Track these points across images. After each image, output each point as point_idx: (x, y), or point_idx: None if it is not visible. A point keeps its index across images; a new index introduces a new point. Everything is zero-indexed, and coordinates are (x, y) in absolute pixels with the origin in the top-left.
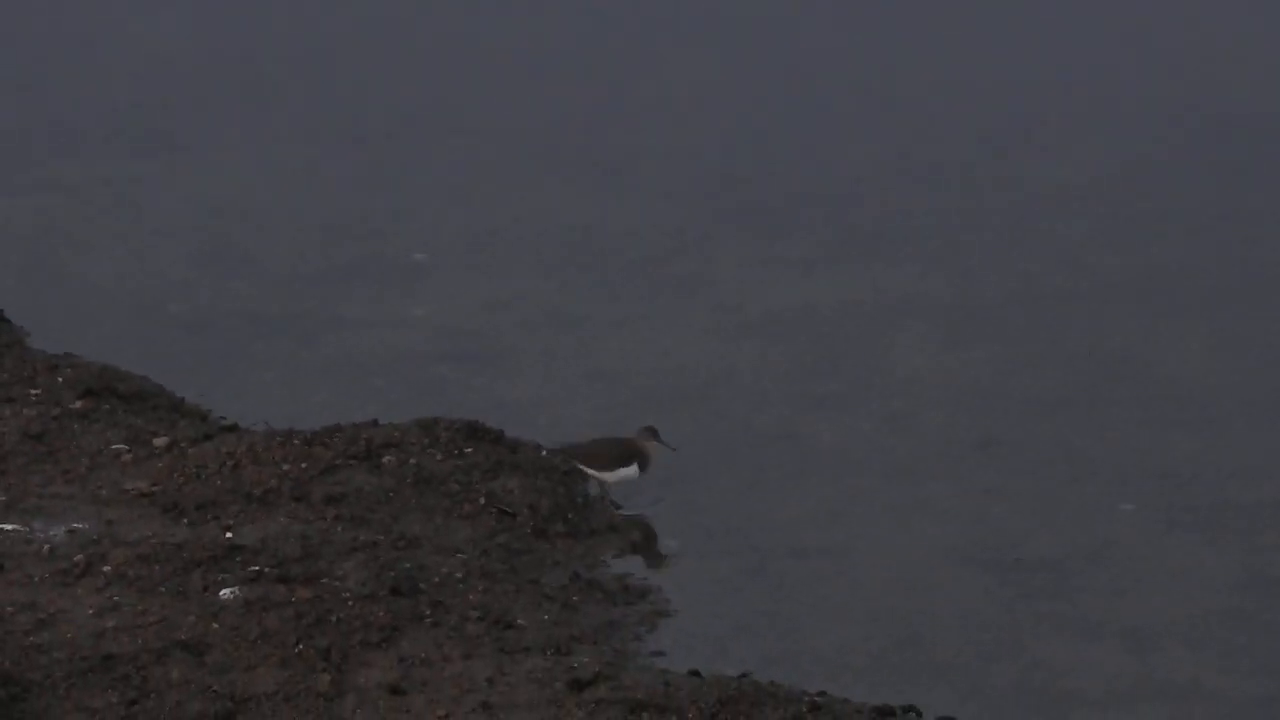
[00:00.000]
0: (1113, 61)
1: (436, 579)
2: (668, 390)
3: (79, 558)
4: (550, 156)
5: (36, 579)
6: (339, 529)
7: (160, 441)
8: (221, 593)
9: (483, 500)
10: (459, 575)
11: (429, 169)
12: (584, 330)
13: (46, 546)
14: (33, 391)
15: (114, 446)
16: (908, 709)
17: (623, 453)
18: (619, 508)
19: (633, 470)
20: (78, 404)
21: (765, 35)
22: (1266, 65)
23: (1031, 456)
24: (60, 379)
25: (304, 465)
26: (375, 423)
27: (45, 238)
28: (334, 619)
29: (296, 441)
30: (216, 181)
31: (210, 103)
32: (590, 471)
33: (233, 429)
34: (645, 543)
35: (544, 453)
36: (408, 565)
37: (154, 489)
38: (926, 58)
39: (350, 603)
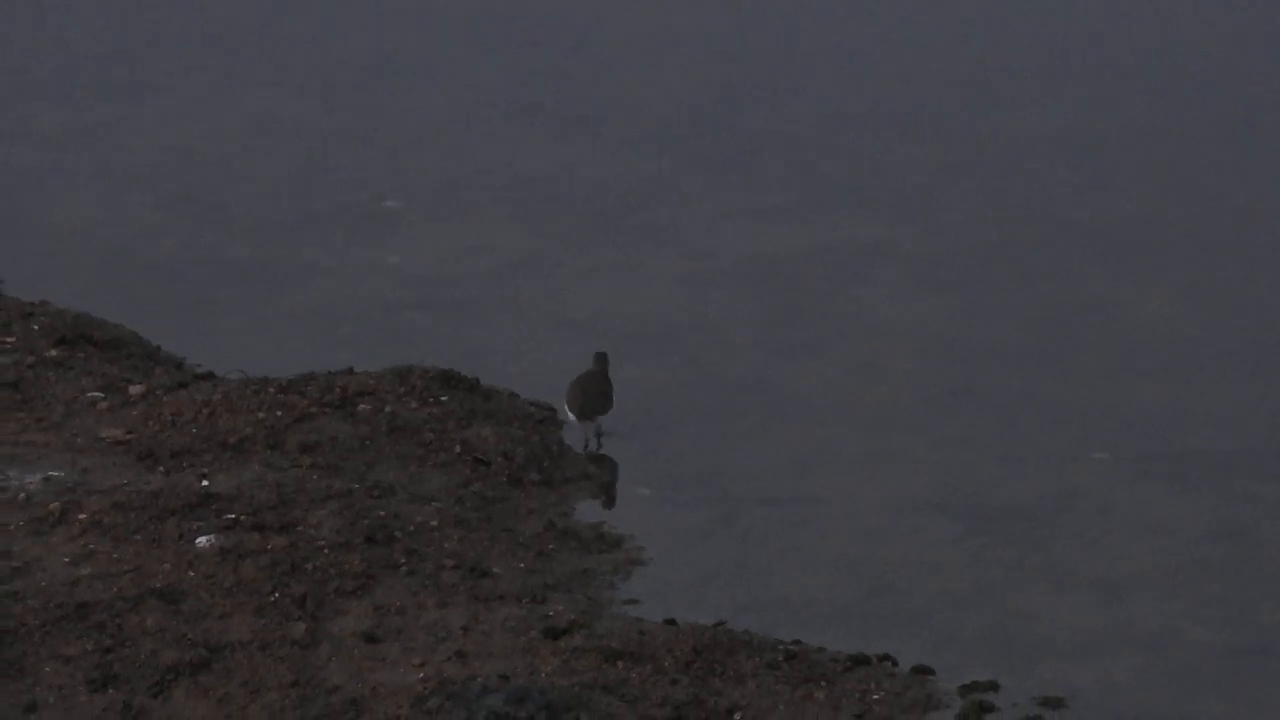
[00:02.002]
0: (1082, 12)
1: (411, 527)
2: (638, 338)
3: (54, 505)
4: (519, 104)
5: (11, 527)
6: (314, 477)
7: (136, 389)
8: (196, 541)
9: (457, 449)
10: (434, 524)
11: (398, 117)
12: (554, 278)
13: (21, 494)
14: (7, 339)
15: (89, 394)
16: (883, 658)
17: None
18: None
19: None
20: (52, 352)
21: None
22: (1236, 17)
23: (1001, 405)
24: (35, 326)
25: (279, 413)
26: (350, 371)
27: (14, 184)
28: (309, 567)
29: (271, 390)
30: (186, 128)
31: (179, 49)
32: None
33: (208, 377)
34: (617, 490)
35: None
36: (382, 513)
37: (129, 437)
38: (897, 6)
39: (325, 551)
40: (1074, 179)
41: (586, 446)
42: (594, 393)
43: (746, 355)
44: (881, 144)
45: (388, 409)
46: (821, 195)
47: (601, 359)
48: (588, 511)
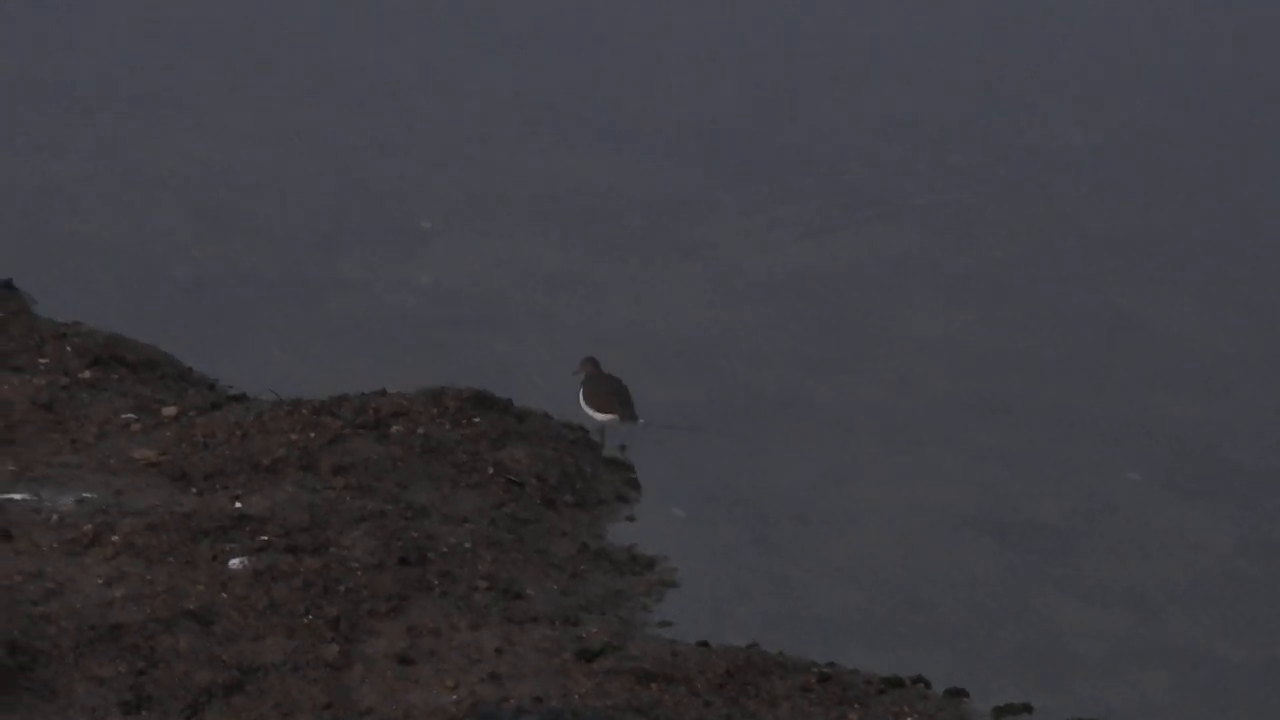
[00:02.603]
0: (1115, 23)
1: (444, 549)
2: (671, 354)
3: (87, 527)
4: (552, 120)
5: (45, 548)
6: (347, 498)
7: (169, 411)
8: (230, 562)
9: (490, 469)
10: (467, 545)
11: (431, 132)
12: (587, 294)
13: (55, 516)
14: (41, 360)
15: (122, 416)
16: (916, 680)
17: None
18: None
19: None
20: (86, 373)
21: None
22: (1269, 33)
23: (1035, 420)
24: (68, 348)
25: (312, 434)
26: (383, 392)
27: (48, 201)
28: (342, 589)
29: (304, 411)
30: (219, 144)
31: (212, 64)
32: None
33: (241, 398)
34: (650, 510)
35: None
36: (415, 535)
37: (162, 458)
38: (930, 19)
39: (358, 572)
40: (1108, 193)
41: (623, 448)
42: (625, 393)
43: (779, 371)
44: (915, 157)
45: (421, 430)
46: (855, 209)
47: (596, 362)
48: (621, 533)
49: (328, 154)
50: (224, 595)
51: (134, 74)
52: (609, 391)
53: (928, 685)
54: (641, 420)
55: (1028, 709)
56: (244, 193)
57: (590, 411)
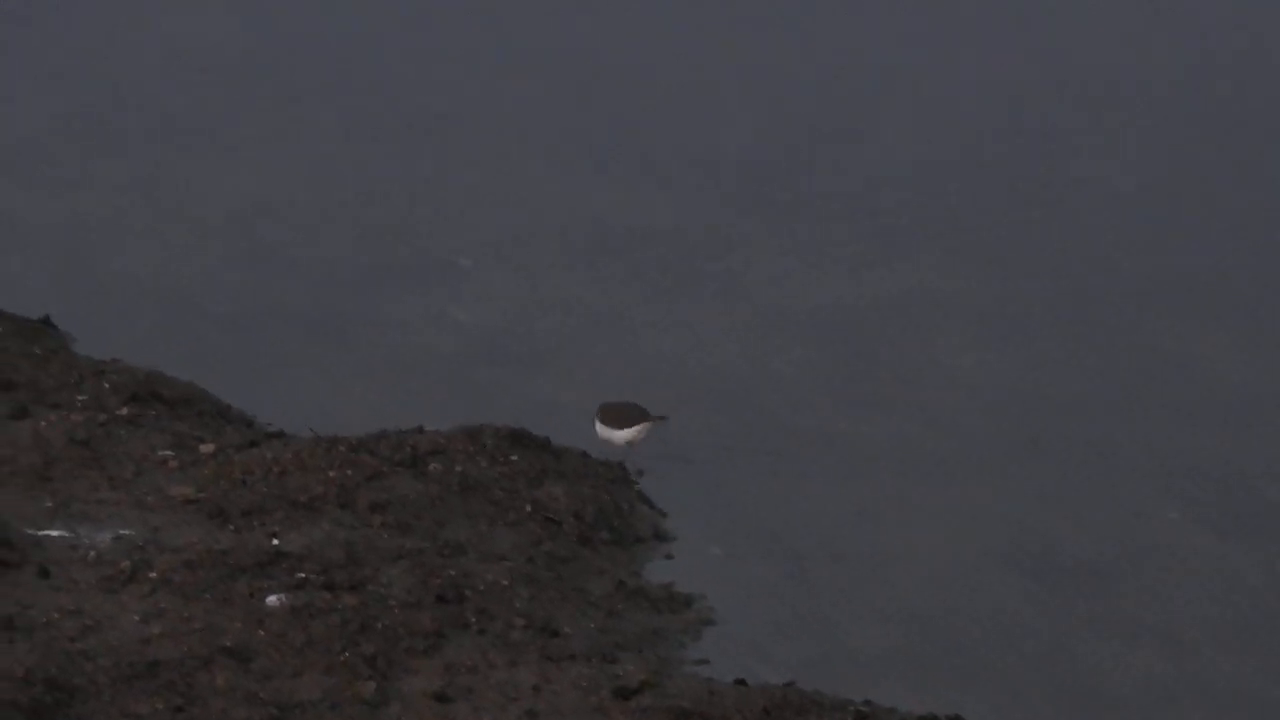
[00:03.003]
0: (1154, 62)
1: (482, 586)
2: (707, 390)
3: (124, 564)
4: (589, 156)
5: (82, 585)
6: (384, 536)
7: (206, 448)
8: (267, 599)
9: (528, 507)
10: (504, 583)
11: (467, 169)
12: (625, 331)
13: (92, 552)
14: (79, 397)
15: (160, 452)
16: (952, 718)
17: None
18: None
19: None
20: (124, 410)
21: (802, 30)
22: None
23: (1072, 459)
24: (106, 384)
25: (349, 472)
26: (421, 429)
27: (86, 238)
28: (379, 626)
29: (342, 448)
30: (256, 182)
31: (248, 100)
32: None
33: (279, 436)
34: (686, 548)
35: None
36: (453, 572)
37: (200, 495)
38: (966, 55)
39: (395, 610)
40: (1146, 230)
41: (640, 474)
42: (639, 406)
43: (816, 407)
44: (951, 193)
45: (458, 468)
46: (891, 246)
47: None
48: (658, 571)
49: (365, 191)
50: (261, 632)
51: (171, 110)
52: (625, 406)
53: None
54: (666, 418)
55: None
56: (282, 229)
57: (614, 432)
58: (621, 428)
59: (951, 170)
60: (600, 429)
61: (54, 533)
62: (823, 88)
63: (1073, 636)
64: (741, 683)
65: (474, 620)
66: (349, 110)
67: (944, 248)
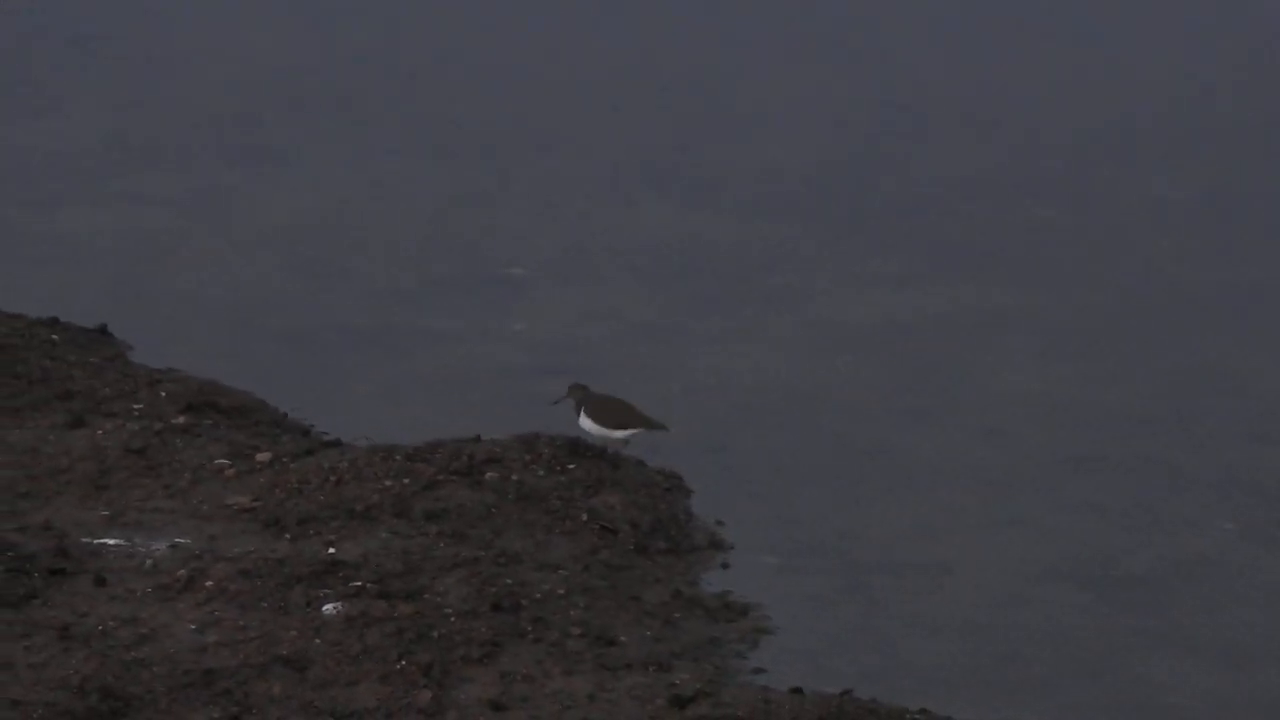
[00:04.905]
0: (1211, 78)
1: (538, 595)
2: (763, 403)
3: (181, 572)
4: (644, 171)
5: (138, 594)
6: (440, 545)
7: (262, 457)
8: (323, 608)
9: (584, 517)
10: (560, 591)
11: (523, 182)
12: (679, 344)
13: (148, 561)
14: (135, 406)
15: (216, 461)
16: None
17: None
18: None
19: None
20: (179, 419)
21: (860, 49)
22: None
23: (1128, 472)
24: (162, 393)
25: (405, 481)
26: (477, 439)
27: (144, 251)
28: (435, 635)
29: (398, 457)
30: (311, 194)
31: (304, 116)
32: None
33: (335, 445)
34: (743, 558)
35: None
36: (509, 581)
37: (255, 504)
38: (1021, 71)
39: (451, 618)
40: (1202, 246)
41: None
42: (634, 407)
43: (872, 421)
44: (1008, 208)
45: (515, 477)
46: (946, 261)
47: (585, 387)
48: (714, 580)
49: (421, 205)
50: (317, 641)
51: (230, 125)
52: (621, 407)
53: None
54: (670, 429)
55: None
56: (338, 243)
57: (607, 431)
58: (621, 429)
59: (1007, 188)
60: (590, 424)
61: (110, 541)
62: (880, 106)
63: (1129, 649)
64: (797, 691)
65: (530, 629)
66: (407, 125)
67: (1002, 263)
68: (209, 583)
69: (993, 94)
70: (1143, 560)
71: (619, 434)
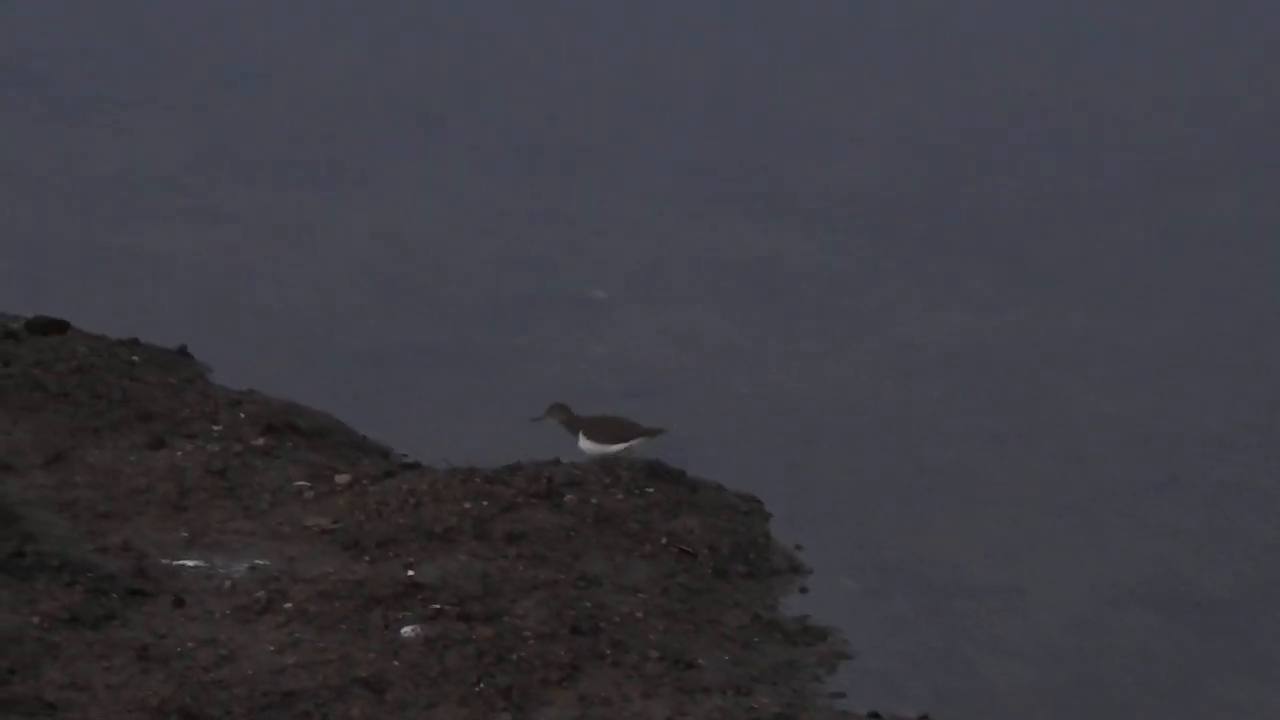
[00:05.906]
0: None
1: (617, 618)
2: (843, 425)
3: (260, 594)
4: (724, 190)
5: (217, 615)
6: (520, 567)
7: (342, 479)
8: (402, 630)
9: (663, 540)
10: (639, 614)
11: (603, 201)
12: (760, 365)
13: (227, 582)
14: (214, 428)
15: (295, 483)
16: None
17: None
18: None
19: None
20: (259, 440)
21: (941, 69)
22: None
23: (1208, 496)
24: (242, 415)
25: (485, 503)
26: (557, 461)
27: (223, 271)
28: (514, 657)
29: (478, 479)
30: (391, 213)
31: (384, 134)
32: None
33: (414, 467)
34: (822, 582)
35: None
36: (588, 604)
37: (335, 526)
38: (1103, 93)
39: (530, 641)
40: None
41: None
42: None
43: (951, 443)
44: (1089, 231)
45: (594, 500)
46: (1027, 283)
47: (566, 407)
48: (793, 604)
49: (502, 225)
50: (396, 663)
51: (308, 144)
52: (615, 423)
53: None
54: (666, 429)
55: None
56: (419, 263)
57: (605, 447)
58: (622, 441)
59: (1088, 205)
60: (589, 445)
61: (189, 562)
62: (960, 125)
63: (1208, 674)
64: (875, 716)
65: (609, 652)
66: (485, 144)
67: (1081, 284)
68: (288, 604)
69: (1073, 114)
70: (1222, 584)
71: (616, 448)
